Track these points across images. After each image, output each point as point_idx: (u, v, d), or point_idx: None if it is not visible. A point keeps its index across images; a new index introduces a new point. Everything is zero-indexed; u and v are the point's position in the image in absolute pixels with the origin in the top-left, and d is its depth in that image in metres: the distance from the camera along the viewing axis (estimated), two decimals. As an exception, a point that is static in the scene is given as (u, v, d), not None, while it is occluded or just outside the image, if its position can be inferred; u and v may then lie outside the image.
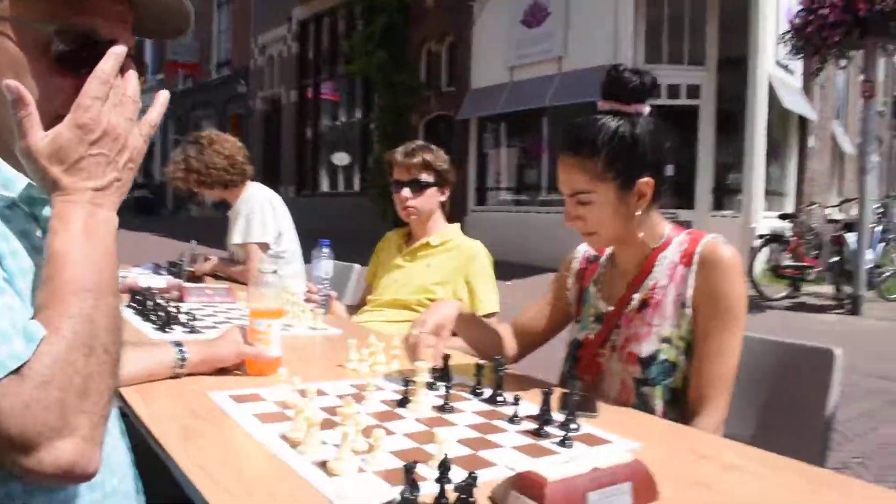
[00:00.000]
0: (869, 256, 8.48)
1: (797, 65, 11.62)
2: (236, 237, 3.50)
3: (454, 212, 11.70)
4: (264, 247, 3.48)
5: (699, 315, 1.54)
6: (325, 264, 2.70)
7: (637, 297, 1.61)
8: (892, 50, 8.23)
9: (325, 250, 2.70)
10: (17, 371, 0.74)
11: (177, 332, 2.15)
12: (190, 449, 1.17)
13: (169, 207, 27.76)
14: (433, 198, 2.76)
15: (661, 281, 1.59)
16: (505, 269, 10.67)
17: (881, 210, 9.52)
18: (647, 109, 1.56)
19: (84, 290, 0.80)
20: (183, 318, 2.23)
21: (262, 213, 3.48)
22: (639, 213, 1.57)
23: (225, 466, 1.11)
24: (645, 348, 1.57)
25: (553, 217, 11.23)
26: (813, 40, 7.87)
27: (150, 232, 18.62)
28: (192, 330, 2.18)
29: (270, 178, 17.16)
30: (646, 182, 1.55)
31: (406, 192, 2.74)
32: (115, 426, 1.07)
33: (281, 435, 1.24)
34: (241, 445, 1.22)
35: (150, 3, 0.93)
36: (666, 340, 1.56)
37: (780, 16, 11.05)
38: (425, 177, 2.72)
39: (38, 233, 0.93)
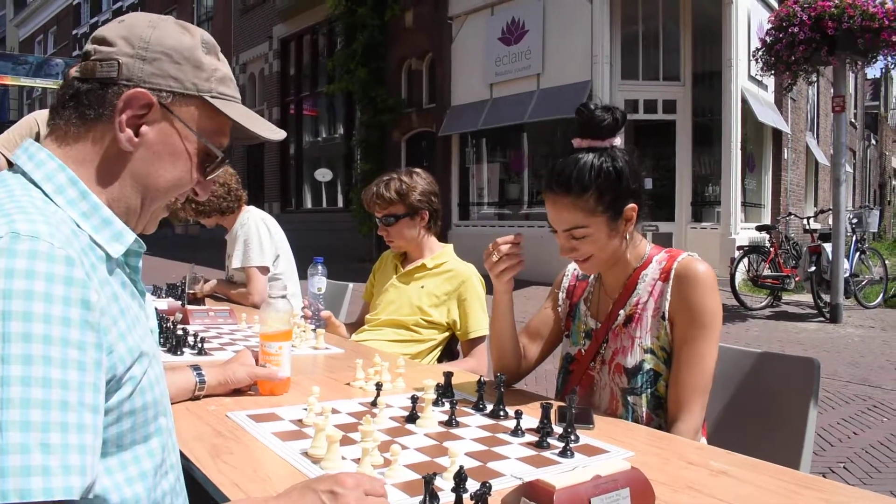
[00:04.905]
0: (845, 266, 8.68)
1: (770, 79, 11.87)
2: (236, 262, 3.59)
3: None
4: (264, 270, 3.57)
5: (676, 326, 1.66)
6: (319, 280, 2.79)
7: (623, 313, 1.73)
8: (861, 66, 8.45)
9: (319, 267, 2.80)
10: None
11: (187, 355, 2.23)
12: (221, 466, 1.26)
13: (153, 226, 27.58)
14: (410, 228, 2.82)
15: (643, 297, 1.72)
16: (489, 283, 10.81)
17: (856, 220, 9.75)
18: (619, 141, 1.69)
19: None
20: (191, 340, 2.31)
21: (258, 236, 3.58)
22: (627, 235, 1.70)
23: (255, 483, 1.20)
24: (630, 360, 1.69)
25: (535, 231, 11.34)
26: (783, 57, 8.08)
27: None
28: (201, 352, 2.25)
29: (254, 195, 17.19)
30: (631, 208, 1.68)
31: (381, 228, 2.85)
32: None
33: (302, 452, 1.33)
34: (266, 463, 1.31)
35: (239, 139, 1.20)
36: (648, 351, 1.68)
37: (752, 31, 11.30)
38: (397, 210, 2.79)
39: (135, 284, 1.07)
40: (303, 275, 3.74)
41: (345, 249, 14.26)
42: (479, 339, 2.70)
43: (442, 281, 2.79)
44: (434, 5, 14.11)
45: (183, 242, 21.60)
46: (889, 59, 8.09)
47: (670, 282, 1.68)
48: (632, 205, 1.68)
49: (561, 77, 11.73)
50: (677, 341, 1.67)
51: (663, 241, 11.66)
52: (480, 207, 13.96)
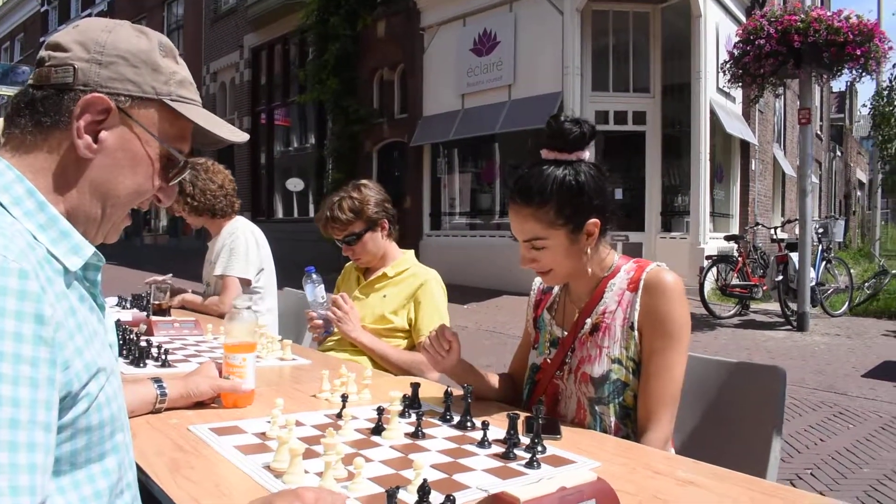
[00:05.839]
0: (812, 275, 8.81)
1: (738, 91, 12.04)
2: (218, 268, 3.52)
3: (409, 238, 11.80)
4: (245, 282, 3.50)
5: (644, 336, 1.66)
6: (319, 289, 2.76)
7: (589, 321, 1.73)
8: (826, 79, 8.60)
9: (314, 276, 2.76)
10: None
11: (150, 367, 2.19)
12: (180, 482, 1.23)
13: (122, 236, 27.26)
14: (374, 241, 2.81)
15: (611, 306, 1.71)
16: (461, 293, 10.78)
17: (822, 230, 9.90)
18: (587, 155, 1.69)
19: None
20: (155, 352, 2.27)
21: (246, 247, 3.52)
22: (588, 250, 1.70)
23: (216, 498, 1.18)
24: (597, 369, 1.68)
25: (507, 241, 11.34)
26: (750, 69, 8.20)
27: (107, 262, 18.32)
28: (165, 364, 2.21)
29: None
30: (593, 223, 1.68)
31: (346, 248, 2.83)
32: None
33: (265, 465, 1.30)
34: (228, 477, 1.28)
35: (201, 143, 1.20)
36: (616, 361, 1.68)
37: (721, 44, 11.46)
38: (356, 228, 2.77)
39: (94, 298, 1.04)
40: (283, 285, 3.70)
41: (317, 260, 14.09)
42: None
43: (403, 287, 2.78)
44: (406, 16, 14.12)
45: (153, 253, 21.35)
46: (853, 72, 8.24)
47: (639, 292, 1.68)
48: (594, 220, 1.68)
49: (532, 88, 11.79)
50: (646, 352, 1.67)
51: (633, 250, 11.75)
52: (452, 217, 13.96)
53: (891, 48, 8.02)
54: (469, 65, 12.83)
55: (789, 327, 8.63)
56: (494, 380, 1.93)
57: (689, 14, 11.27)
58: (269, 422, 1.52)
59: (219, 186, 3.57)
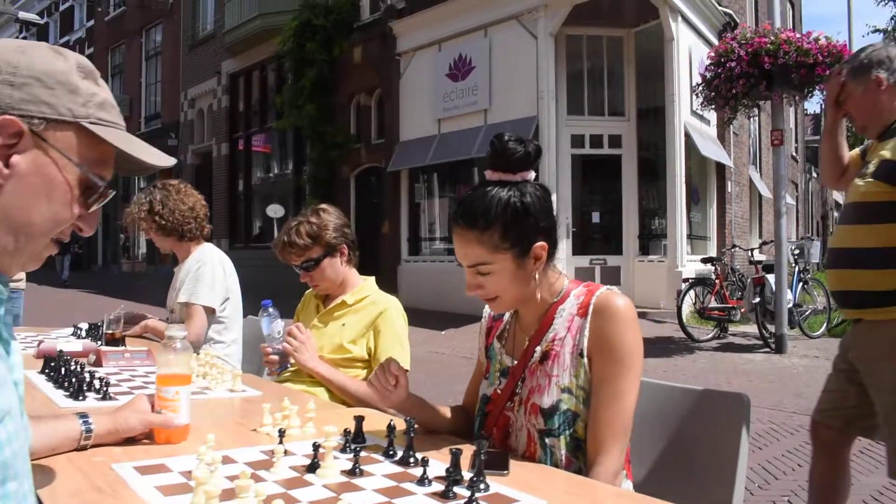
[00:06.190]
0: (789, 296, 8.80)
1: (712, 114, 12.13)
2: (182, 295, 3.39)
3: (388, 263, 11.76)
4: (210, 310, 3.38)
5: (594, 363, 1.58)
6: (277, 323, 2.66)
7: (539, 350, 1.65)
8: (798, 100, 8.67)
9: (270, 309, 2.67)
10: None
11: (90, 400, 2.08)
12: (85, 529, 1.14)
13: (99, 263, 27.04)
14: (333, 267, 2.73)
15: (560, 333, 1.63)
16: (439, 319, 10.69)
17: (798, 251, 9.92)
18: (532, 175, 1.63)
19: None
20: (97, 384, 2.16)
21: (212, 275, 3.40)
22: (536, 275, 1.62)
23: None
24: (546, 400, 1.60)
25: (485, 266, 11.31)
26: (722, 92, 8.24)
27: (80, 289, 18.07)
28: (105, 396, 2.11)
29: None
30: (541, 246, 1.61)
31: (304, 274, 2.74)
32: None
33: (182, 509, 1.21)
34: (140, 522, 1.18)
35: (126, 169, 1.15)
36: (566, 391, 1.60)
37: (694, 67, 11.55)
38: (314, 253, 2.70)
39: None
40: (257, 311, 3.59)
41: (293, 286, 13.93)
42: None
43: (362, 315, 2.69)
44: (382, 42, 14.16)
45: (131, 280, 21.14)
46: (824, 93, 8.29)
47: (588, 317, 1.60)
48: (541, 243, 1.61)
49: (508, 113, 11.82)
50: (596, 379, 1.58)
51: (612, 274, 11.74)
52: (431, 242, 13.91)
53: (860, 70, 8.08)
54: (445, 90, 12.86)
55: (768, 349, 8.60)
56: (447, 412, 1.84)
57: (662, 38, 11.36)
58: (198, 459, 1.42)
59: (189, 208, 3.47)
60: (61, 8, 30.20)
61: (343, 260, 2.76)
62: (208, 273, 3.41)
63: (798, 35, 7.94)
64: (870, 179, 2.38)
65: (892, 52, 2.47)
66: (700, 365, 7.82)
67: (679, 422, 1.91)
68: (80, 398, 2.09)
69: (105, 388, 2.14)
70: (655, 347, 8.84)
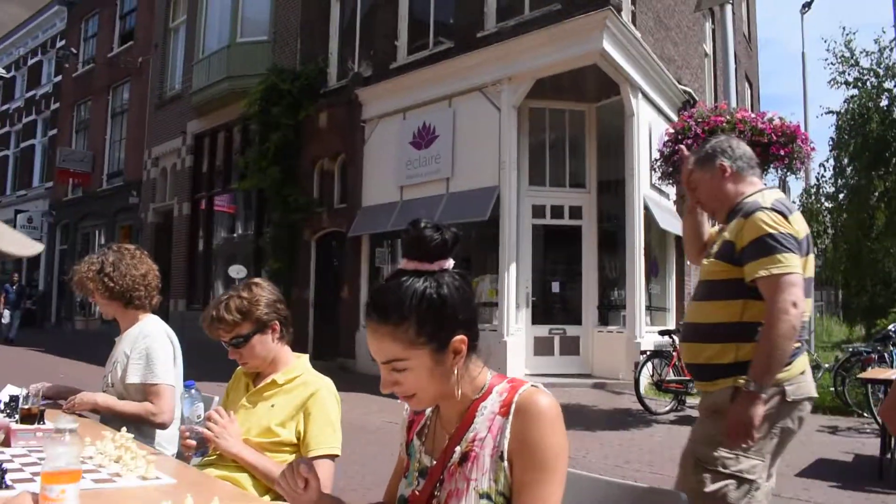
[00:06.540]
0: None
1: (671, 187, 12.32)
2: (134, 376, 3.19)
3: (346, 327, 11.59)
4: (171, 389, 3.20)
5: (515, 467, 1.48)
6: (197, 407, 2.53)
7: (458, 450, 1.55)
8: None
9: (193, 391, 2.55)
10: None
11: (-14, 490, 1.95)
12: None
13: (52, 320, 26.38)
14: (263, 344, 2.63)
15: (481, 432, 1.53)
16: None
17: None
18: (450, 263, 1.54)
19: None
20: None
21: (165, 351, 3.23)
22: (456, 370, 1.54)
23: None
24: None
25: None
26: (679, 167, 8.35)
27: (29, 346, 17.52)
28: (2, 485, 1.97)
29: (160, 291, 16.47)
30: (460, 339, 1.51)
31: (232, 351, 2.64)
32: None
33: None
34: None
35: None
36: (485, 496, 1.49)
37: (654, 142, 11.78)
38: (243, 329, 2.60)
39: None
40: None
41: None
42: (322, 458, 2.45)
43: (292, 397, 2.57)
44: (348, 108, 14.28)
45: (84, 338, 20.58)
46: (779, 171, 8.47)
47: (510, 417, 1.51)
48: (460, 336, 1.51)
49: (470, 181, 11.92)
50: (516, 485, 1.48)
51: (571, 344, 11.71)
52: (391, 308, 13.79)
53: (813, 149, 8.28)
54: (408, 157, 12.95)
55: (724, 424, 8.54)
56: None
57: (623, 113, 11.60)
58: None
59: (141, 275, 3.32)
60: (29, 62, 30.14)
61: (275, 337, 2.66)
62: (160, 348, 3.23)
63: (753, 115, 8.12)
64: (712, 259, 2.60)
65: (734, 143, 2.71)
66: (657, 439, 7.74)
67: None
68: (-24, 488, 1.96)
69: (1, 476, 2.00)
70: (613, 420, 8.75)
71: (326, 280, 14.88)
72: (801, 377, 2.48)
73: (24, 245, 1.05)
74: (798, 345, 2.46)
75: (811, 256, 2.55)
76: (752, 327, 2.43)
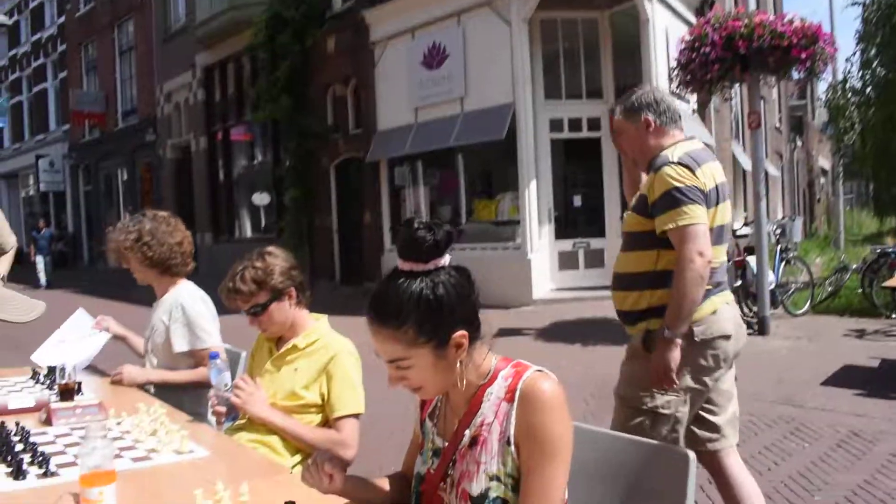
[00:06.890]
0: (771, 277, 8.79)
1: (691, 95, 12.06)
2: (181, 345, 3.25)
3: (371, 252, 11.68)
4: (221, 350, 3.23)
5: (521, 452, 1.54)
6: (224, 376, 2.60)
7: (468, 433, 1.61)
8: (773, 82, 8.60)
9: (219, 361, 2.60)
10: None
11: (31, 478, 2.00)
12: None
13: (85, 260, 26.88)
14: (281, 311, 2.68)
15: (488, 417, 1.59)
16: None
17: (779, 231, 9.90)
18: (446, 261, 1.56)
19: None
20: (34, 457, 2.07)
21: (203, 316, 3.29)
22: (459, 362, 1.57)
23: None
24: (475, 487, 1.56)
25: (474, 253, 11.29)
26: (697, 76, 8.16)
27: (65, 289, 17.88)
28: (47, 473, 2.02)
29: (186, 225, 16.48)
30: (460, 335, 1.55)
31: (252, 319, 2.69)
32: None
33: None
34: None
35: None
36: (494, 478, 1.55)
37: (671, 46, 11.44)
38: (260, 298, 2.65)
39: None
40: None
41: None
42: (346, 418, 2.55)
43: (314, 360, 2.64)
44: (355, 31, 13.99)
45: (118, 277, 20.95)
46: (801, 74, 8.23)
47: (515, 403, 1.55)
48: (460, 332, 1.54)
49: (484, 100, 11.73)
50: (523, 468, 1.53)
51: (596, 256, 11.71)
52: (414, 231, 13.84)
53: (836, 49, 8.02)
54: (420, 78, 12.74)
55: (751, 331, 8.59)
56: (386, 486, 1.80)
57: (638, 18, 11.24)
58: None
59: (178, 243, 3.34)
60: (31, 5, 29.73)
61: (292, 303, 2.70)
62: (199, 314, 3.28)
63: (772, 17, 7.83)
64: (630, 211, 2.75)
65: (659, 96, 2.78)
66: (683, 350, 7.81)
67: (626, 473, 1.87)
68: (21, 478, 2.01)
69: (45, 463, 2.06)
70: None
71: (348, 206, 14.91)
72: (711, 317, 2.60)
73: (25, 310, 1.06)
74: (710, 287, 2.59)
75: (723, 205, 2.67)
76: (666, 275, 2.58)
